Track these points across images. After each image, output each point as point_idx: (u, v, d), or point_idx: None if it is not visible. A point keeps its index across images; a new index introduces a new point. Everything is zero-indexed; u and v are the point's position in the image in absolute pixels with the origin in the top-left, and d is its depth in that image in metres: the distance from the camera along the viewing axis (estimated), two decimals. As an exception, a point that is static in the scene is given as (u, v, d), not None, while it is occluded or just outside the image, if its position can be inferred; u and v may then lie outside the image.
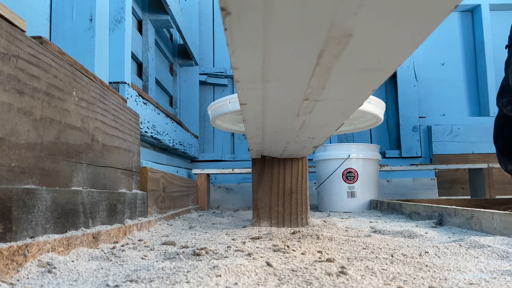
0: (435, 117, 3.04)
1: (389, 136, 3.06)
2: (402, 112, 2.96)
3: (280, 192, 1.27)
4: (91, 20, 1.16)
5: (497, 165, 2.42)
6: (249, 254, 0.69)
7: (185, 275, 0.50)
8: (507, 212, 0.96)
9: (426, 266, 0.61)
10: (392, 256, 0.70)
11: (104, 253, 0.71)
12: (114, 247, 0.77)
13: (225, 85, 3.04)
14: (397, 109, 3.01)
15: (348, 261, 0.65)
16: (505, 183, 2.77)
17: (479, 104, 3.09)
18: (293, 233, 1.02)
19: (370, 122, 1.34)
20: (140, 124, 1.42)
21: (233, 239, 0.93)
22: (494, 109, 2.97)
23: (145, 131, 1.49)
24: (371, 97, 1.06)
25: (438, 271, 0.58)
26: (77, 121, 0.78)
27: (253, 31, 0.33)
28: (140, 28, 1.98)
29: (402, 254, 0.72)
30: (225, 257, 0.66)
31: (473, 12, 3.14)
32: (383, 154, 2.93)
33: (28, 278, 0.51)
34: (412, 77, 2.99)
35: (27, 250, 0.54)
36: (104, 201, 0.88)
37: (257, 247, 0.79)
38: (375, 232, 1.10)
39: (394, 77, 3.02)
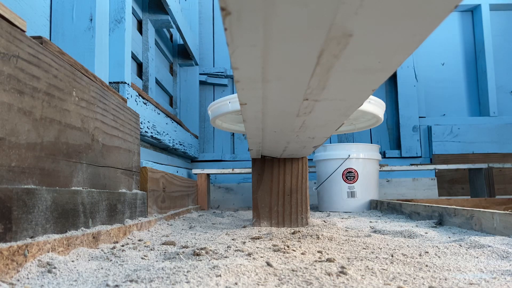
0: (435, 117, 3.04)
1: (389, 136, 3.06)
2: (402, 112, 2.96)
3: (280, 192, 1.26)
4: (91, 20, 1.16)
5: (497, 165, 2.43)
6: (249, 254, 0.69)
7: (185, 275, 0.50)
8: (507, 212, 0.96)
9: (426, 266, 0.61)
10: (392, 256, 0.70)
11: (104, 253, 0.71)
12: (114, 247, 0.77)
13: (225, 85, 3.04)
14: (397, 109, 3.01)
15: (348, 261, 0.65)
16: (505, 183, 2.77)
17: (479, 104, 3.09)
18: (293, 233, 1.02)
19: (370, 122, 1.34)
20: (140, 124, 1.42)
21: (233, 239, 0.93)
22: (494, 109, 2.98)
23: (145, 131, 1.49)
24: (371, 97, 1.06)
25: (438, 271, 0.58)
26: (77, 121, 0.78)
27: (253, 31, 0.33)
28: (140, 28, 1.98)
29: (402, 254, 0.72)
30: (225, 257, 0.66)
31: (473, 12, 3.14)
32: (383, 154, 2.93)
33: (28, 278, 0.51)
34: (412, 77, 2.99)
35: (27, 250, 0.54)
36: (104, 201, 0.88)
37: (257, 247, 0.79)
38: (375, 232, 1.10)
39: (394, 77, 3.02)
